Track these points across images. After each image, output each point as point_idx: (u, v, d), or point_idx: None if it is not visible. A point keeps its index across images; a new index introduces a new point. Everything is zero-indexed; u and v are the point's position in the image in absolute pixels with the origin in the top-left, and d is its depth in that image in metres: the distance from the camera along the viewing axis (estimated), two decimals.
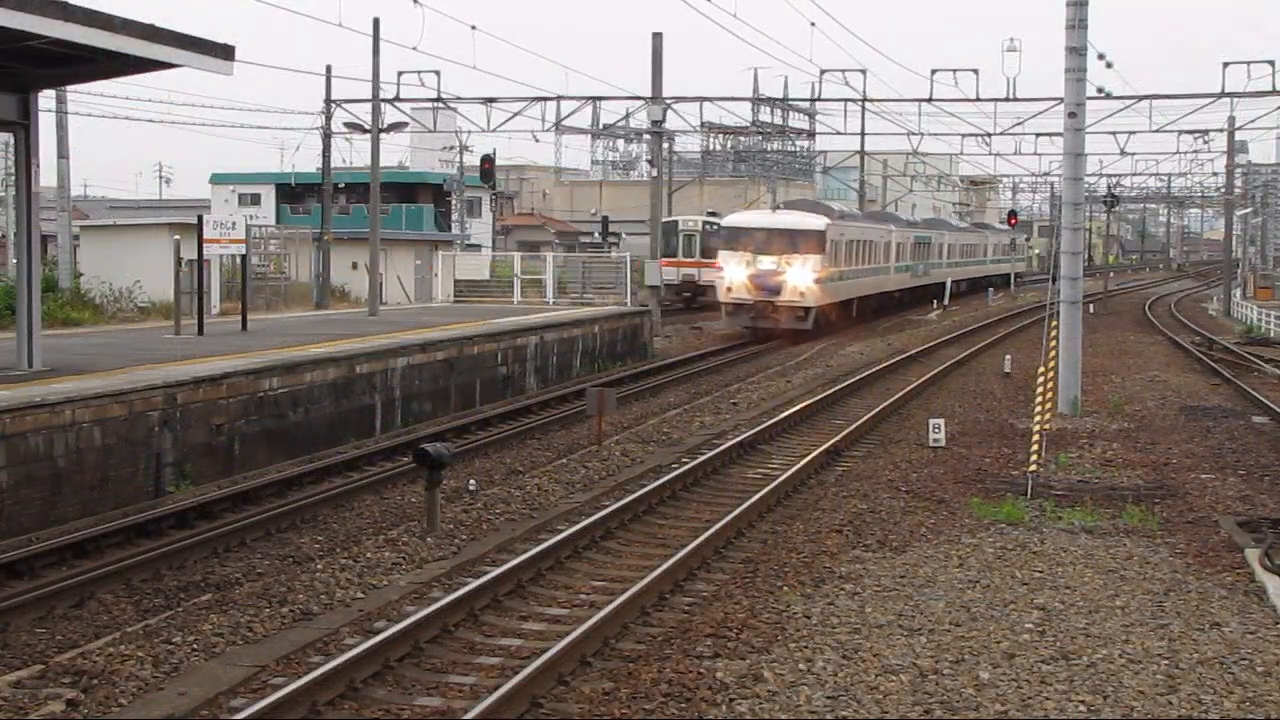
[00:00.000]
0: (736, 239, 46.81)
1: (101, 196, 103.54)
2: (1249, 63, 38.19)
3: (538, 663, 10.84)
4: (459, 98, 41.73)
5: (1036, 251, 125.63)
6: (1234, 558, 14.93)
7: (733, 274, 45.95)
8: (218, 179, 74.20)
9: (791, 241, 45.59)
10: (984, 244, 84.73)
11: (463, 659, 11.75)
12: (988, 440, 23.53)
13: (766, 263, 45.52)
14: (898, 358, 38.14)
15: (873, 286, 55.97)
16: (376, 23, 37.86)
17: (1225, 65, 38.41)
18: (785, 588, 13.58)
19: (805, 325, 45.33)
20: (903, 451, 22.24)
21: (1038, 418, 21.27)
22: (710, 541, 15.37)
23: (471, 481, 19.13)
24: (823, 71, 43.61)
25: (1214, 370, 36.16)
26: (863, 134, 63.30)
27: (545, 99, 41.33)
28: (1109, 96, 41.76)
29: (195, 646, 11.53)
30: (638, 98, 44.02)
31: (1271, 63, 37.73)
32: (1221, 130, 62.98)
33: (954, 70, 40.71)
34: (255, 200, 71.34)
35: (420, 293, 49.52)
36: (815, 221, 46.98)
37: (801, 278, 45.26)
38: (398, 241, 52.73)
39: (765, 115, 61.02)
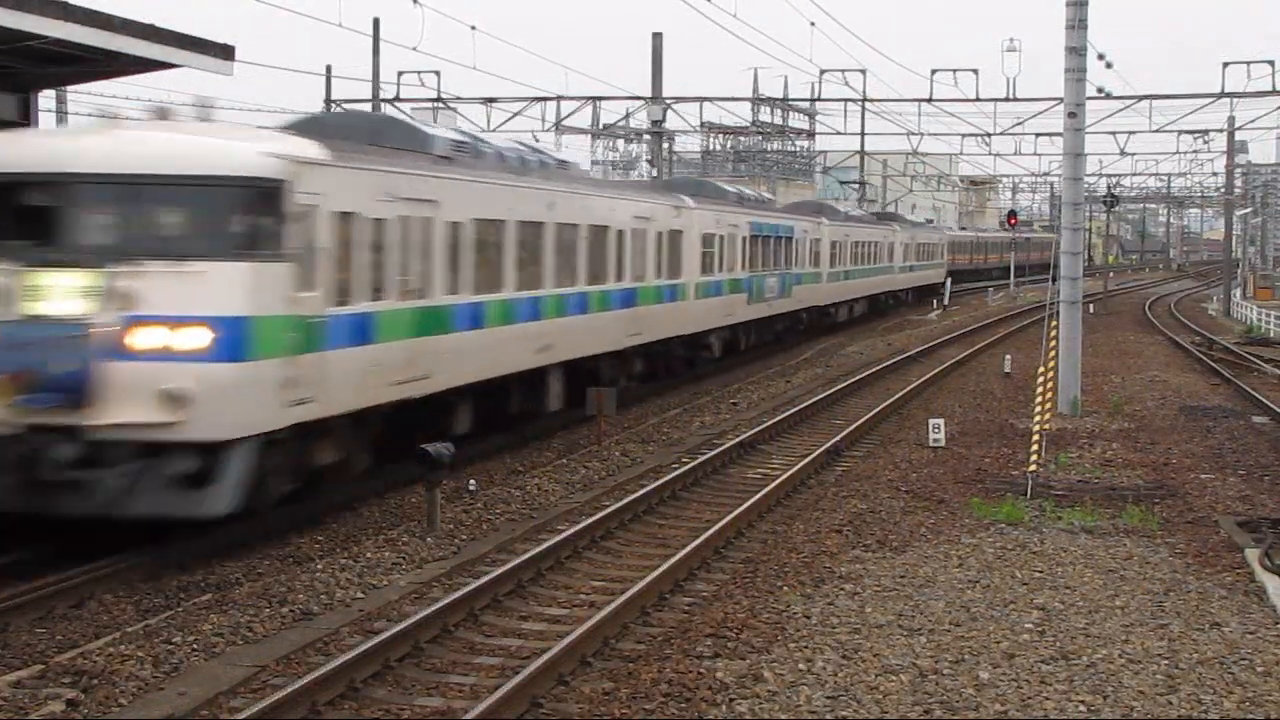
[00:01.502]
0: None
1: None
2: (1249, 63, 38.42)
3: (538, 663, 10.84)
4: (459, 98, 41.82)
5: None
6: (1234, 558, 14.94)
7: None
8: None
9: (155, 218, 14.28)
10: (890, 243, 58.60)
11: (463, 659, 11.74)
12: (988, 440, 23.53)
13: (57, 293, 13.73)
14: (898, 358, 38.15)
15: (630, 328, 26.15)
16: (376, 23, 37.99)
17: (1225, 65, 38.69)
18: (785, 588, 13.58)
19: (207, 508, 14.03)
20: (903, 451, 22.24)
21: (1038, 418, 21.26)
22: (710, 541, 15.37)
23: (471, 481, 19.09)
24: (823, 71, 43.84)
25: (1214, 370, 36.16)
26: (863, 134, 63.55)
27: (545, 99, 41.42)
28: (1109, 96, 41.86)
29: (195, 646, 11.53)
30: (638, 98, 44.10)
31: (1271, 63, 37.89)
32: (1221, 130, 63.15)
33: (954, 70, 40.97)
34: None
35: None
36: (240, 153, 14.28)
37: (185, 340, 13.68)
38: None
39: (765, 115, 61.08)
